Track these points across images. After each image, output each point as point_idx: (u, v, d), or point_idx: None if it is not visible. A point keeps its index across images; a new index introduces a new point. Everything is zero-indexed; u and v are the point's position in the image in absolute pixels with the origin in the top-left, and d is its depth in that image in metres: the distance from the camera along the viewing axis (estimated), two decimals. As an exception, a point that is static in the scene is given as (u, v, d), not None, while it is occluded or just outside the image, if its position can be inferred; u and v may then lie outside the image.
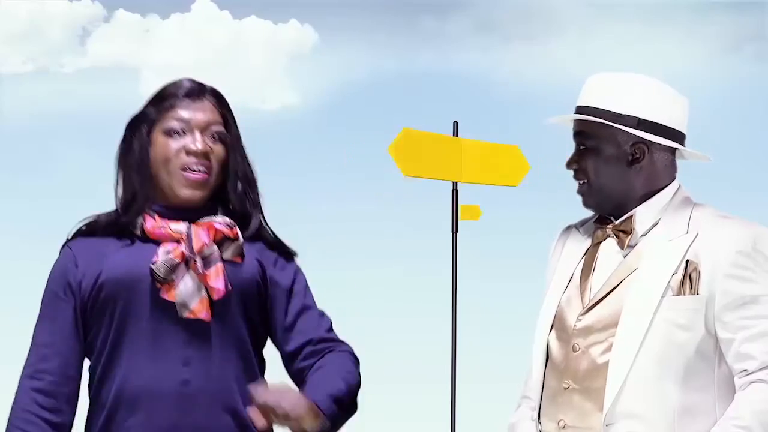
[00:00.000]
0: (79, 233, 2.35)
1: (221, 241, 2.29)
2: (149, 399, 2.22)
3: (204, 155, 2.29)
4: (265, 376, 2.38)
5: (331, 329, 2.39)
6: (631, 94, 2.33)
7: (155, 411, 2.22)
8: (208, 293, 2.24)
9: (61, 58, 6.76)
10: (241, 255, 2.31)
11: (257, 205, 2.39)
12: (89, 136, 6.56)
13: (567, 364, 2.31)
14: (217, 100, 2.36)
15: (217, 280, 2.24)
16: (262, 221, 2.40)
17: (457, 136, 5.32)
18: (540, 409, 2.36)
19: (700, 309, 2.21)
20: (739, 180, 6.27)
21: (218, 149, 2.32)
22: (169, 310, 2.24)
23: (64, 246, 2.36)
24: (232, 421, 2.26)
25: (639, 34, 6.62)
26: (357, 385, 2.31)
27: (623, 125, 2.30)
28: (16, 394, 2.30)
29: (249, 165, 2.38)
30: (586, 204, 2.39)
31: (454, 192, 5.29)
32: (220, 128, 2.33)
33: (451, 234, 5.30)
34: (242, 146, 2.38)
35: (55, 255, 2.37)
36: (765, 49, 6.49)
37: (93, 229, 2.34)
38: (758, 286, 2.20)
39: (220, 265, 2.26)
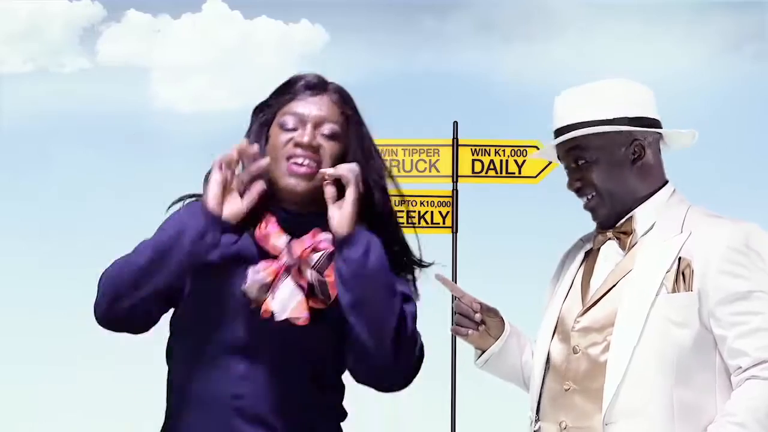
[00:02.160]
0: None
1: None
2: (200, 405, 2.16)
3: (312, 148, 2.18)
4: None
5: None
6: (610, 98, 2.35)
7: (201, 418, 2.16)
8: (309, 295, 2.12)
9: (61, 58, 6.78)
10: None
11: (382, 217, 2.21)
12: (89, 136, 6.57)
13: (568, 365, 2.32)
14: (340, 97, 2.25)
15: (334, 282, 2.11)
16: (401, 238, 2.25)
17: (457, 136, 5.33)
18: (540, 411, 2.37)
19: (694, 305, 2.22)
20: (739, 179, 6.29)
21: (331, 146, 2.19)
22: (243, 323, 2.16)
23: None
24: None
25: (639, 34, 6.63)
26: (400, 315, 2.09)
27: (619, 127, 2.32)
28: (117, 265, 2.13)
29: (377, 169, 2.22)
30: (599, 217, 2.38)
31: (455, 192, 5.30)
32: (335, 126, 2.21)
33: (451, 234, 5.30)
34: (368, 149, 2.24)
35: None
36: (765, 49, 6.50)
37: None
38: (750, 282, 2.21)
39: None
